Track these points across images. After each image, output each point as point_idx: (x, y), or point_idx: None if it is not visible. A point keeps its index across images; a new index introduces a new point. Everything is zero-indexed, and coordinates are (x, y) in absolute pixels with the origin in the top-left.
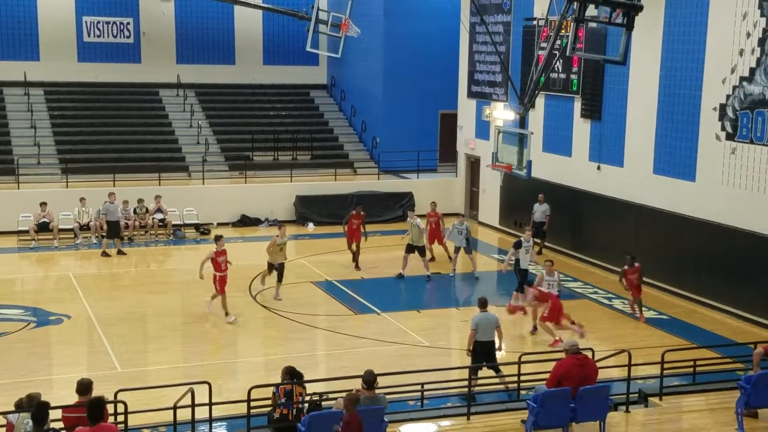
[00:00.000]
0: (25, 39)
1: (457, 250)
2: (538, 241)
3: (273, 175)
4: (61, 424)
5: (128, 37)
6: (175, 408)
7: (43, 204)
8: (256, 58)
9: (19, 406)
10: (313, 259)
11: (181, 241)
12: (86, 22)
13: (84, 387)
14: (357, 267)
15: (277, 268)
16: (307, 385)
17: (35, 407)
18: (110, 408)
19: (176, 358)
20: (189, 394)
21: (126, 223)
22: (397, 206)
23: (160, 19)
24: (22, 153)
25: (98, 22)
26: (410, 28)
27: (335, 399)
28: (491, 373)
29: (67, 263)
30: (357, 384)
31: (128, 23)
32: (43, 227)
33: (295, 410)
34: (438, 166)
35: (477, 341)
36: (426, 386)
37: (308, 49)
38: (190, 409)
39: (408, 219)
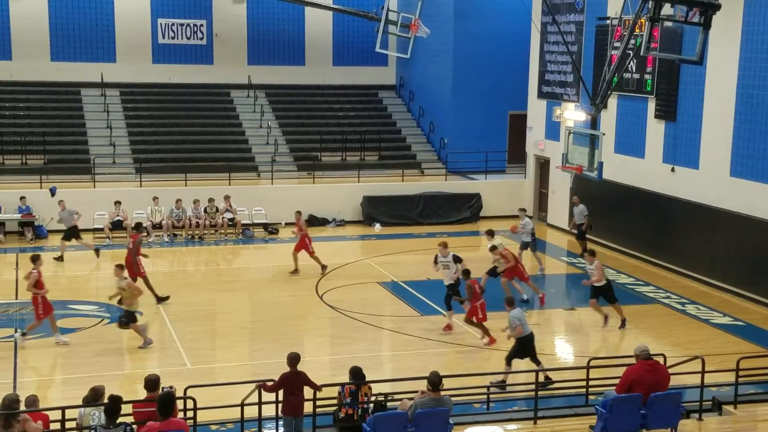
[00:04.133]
0: (103, 41)
1: (523, 246)
2: (581, 242)
3: (340, 175)
4: (132, 419)
5: (201, 38)
6: (242, 405)
7: (118, 203)
8: (326, 58)
9: (86, 400)
10: (380, 260)
11: (250, 240)
12: (161, 24)
13: (152, 383)
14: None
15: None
16: (372, 385)
17: (108, 401)
18: (179, 404)
19: (244, 356)
20: (256, 392)
21: (197, 222)
22: (465, 207)
23: (232, 20)
24: (98, 153)
25: (173, 24)
26: (480, 28)
27: (400, 400)
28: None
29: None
30: (422, 385)
31: (201, 25)
32: (117, 225)
33: (360, 410)
34: (506, 167)
35: (521, 337)
36: (492, 389)
37: (377, 49)
38: (257, 407)
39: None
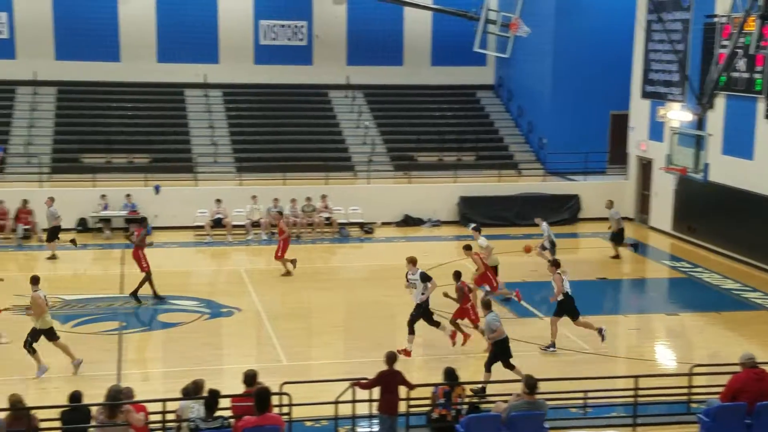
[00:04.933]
0: (206, 43)
1: (543, 248)
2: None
3: (437, 175)
4: (229, 413)
5: (301, 39)
6: (336, 403)
7: (218, 201)
8: (424, 59)
9: (186, 393)
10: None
11: (346, 239)
12: (263, 25)
13: (250, 378)
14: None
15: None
16: (466, 386)
17: (207, 394)
18: (275, 399)
19: (339, 354)
20: (350, 390)
21: (294, 221)
22: (563, 209)
23: (332, 21)
24: (200, 152)
25: (274, 26)
26: (582, 26)
27: (494, 402)
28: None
29: (239, 258)
30: (517, 387)
31: (302, 26)
32: (217, 223)
33: (454, 411)
34: (607, 168)
35: (498, 340)
36: (589, 394)
37: (476, 49)
38: (351, 405)
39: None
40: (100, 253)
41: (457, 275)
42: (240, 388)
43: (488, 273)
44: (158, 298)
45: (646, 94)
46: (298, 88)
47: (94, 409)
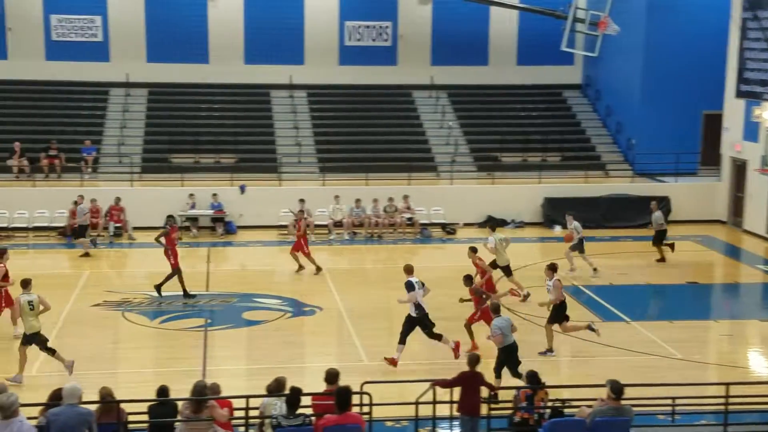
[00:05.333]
0: (292, 45)
1: (572, 248)
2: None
3: (521, 176)
4: (310, 410)
5: (386, 40)
6: (417, 403)
7: (302, 201)
8: (510, 58)
9: (269, 390)
10: (560, 263)
11: (428, 240)
12: (348, 26)
13: (332, 376)
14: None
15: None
16: (549, 390)
17: (289, 392)
18: (356, 398)
19: (419, 354)
20: (431, 391)
21: (376, 221)
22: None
23: (417, 22)
24: (284, 152)
25: (359, 27)
26: (674, 24)
27: (578, 407)
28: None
29: (321, 257)
30: (602, 392)
31: (387, 27)
32: None
33: (536, 415)
34: (699, 169)
35: (504, 347)
36: (678, 401)
37: (563, 48)
38: (431, 406)
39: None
40: (187, 251)
41: (468, 279)
42: (321, 387)
43: (489, 278)
44: (188, 297)
45: (740, 94)
46: (381, 89)
47: (180, 404)
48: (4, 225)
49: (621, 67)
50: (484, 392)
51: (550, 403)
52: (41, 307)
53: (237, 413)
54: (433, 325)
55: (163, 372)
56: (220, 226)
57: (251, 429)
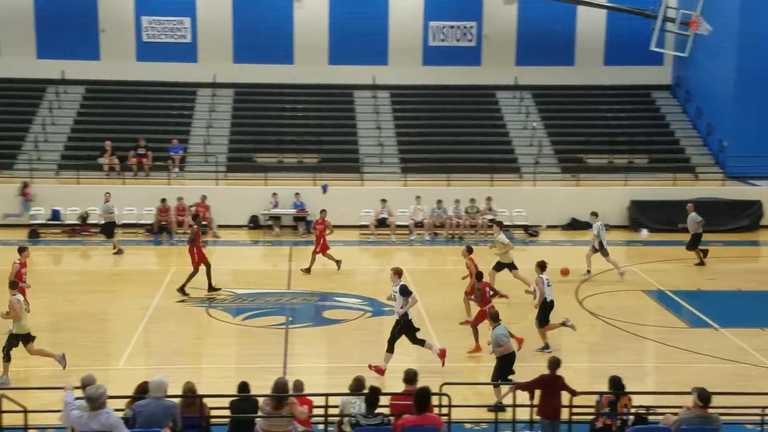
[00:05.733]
0: (376, 45)
1: (593, 249)
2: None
3: (606, 178)
4: (389, 410)
5: (470, 40)
6: (496, 407)
7: (383, 201)
8: (597, 58)
9: (350, 389)
10: (646, 267)
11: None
12: (432, 27)
13: (411, 377)
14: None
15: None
16: (633, 396)
17: (368, 391)
18: (434, 400)
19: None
20: (511, 394)
21: (457, 222)
22: (743, 215)
23: (502, 22)
24: (366, 152)
25: (443, 27)
26: None
27: (663, 414)
28: None
29: (402, 258)
30: (688, 400)
31: (471, 27)
32: (381, 223)
33: (619, 422)
34: None
35: (504, 355)
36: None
37: (652, 48)
38: (511, 409)
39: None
40: (270, 250)
41: (479, 275)
42: (400, 387)
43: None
44: (213, 290)
45: None
46: (465, 89)
47: (260, 400)
48: (95, 221)
49: (713, 67)
50: (565, 398)
51: (633, 410)
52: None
53: (316, 411)
54: (400, 336)
55: (245, 368)
56: (302, 225)
57: (330, 427)
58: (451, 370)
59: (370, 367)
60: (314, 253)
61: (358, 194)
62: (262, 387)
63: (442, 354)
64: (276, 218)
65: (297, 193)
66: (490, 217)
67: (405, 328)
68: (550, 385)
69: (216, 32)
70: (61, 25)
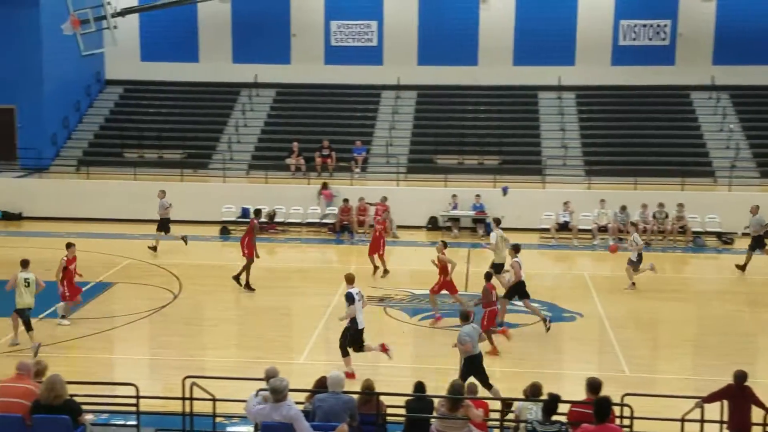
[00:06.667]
0: (563, 45)
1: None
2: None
3: None
4: (565, 418)
5: (664, 39)
6: (682, 420)
7: (566, 203)
8: None
9: (526, 395)
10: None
11: (701, 249)
12: (623, 25)
13: (594, 386)
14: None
15: None
16: None
17: (547, 398)
18: (615, 410)
19: (686, 369)
20: (698, 409)
21: (644, 227)
22: None
23: (699, 19)
24: (549, 154)
25: (635, 25)
26: None
27: None
28: None
29: (584, 263)
30: None
31: (665, 25)
32: (563, 226)
33: None
34: None
35: (469, 357)
36: None
37: None
38: (698, 424)
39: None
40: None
41: (488, 276)
42: (578, 394)
43: (448, 279)
44: (248, 289)
45: None
46: (656, 90)
47: (436, 401)
48: (281, 220)
49: None
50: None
51: None
52: (36, 287)
53: (492, 414)
54: (350, 342)
55: (420, 368)
56: (481, 227)
57: (505, 431)
58: (633, 381)
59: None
60: (380, 256)
61: (539, 197)
62: (437, 388)
63: (383, 349)
64: (455, 220)
65: (477, 195)
66: (681, 223)
67: (352, 336)
68: (737, 397)
69: (401, 35)
70: (255, 31)
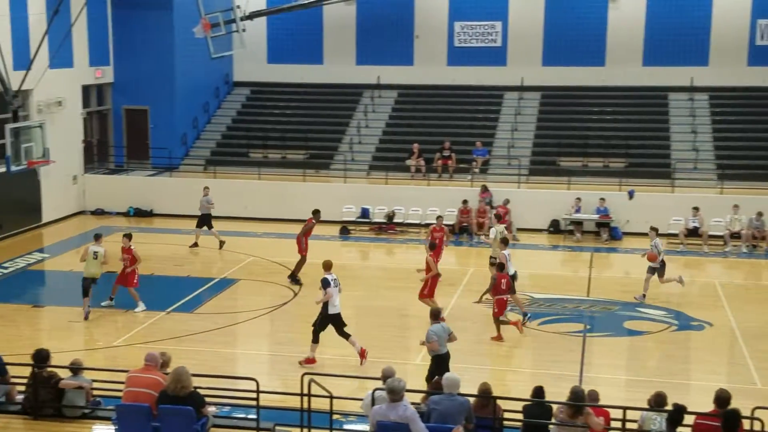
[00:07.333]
0: (696, 45)
1: (650, 270)
2: None
3: None
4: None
5: None
6: None
7: (695, 208)
8: None
9: (650, 404)
10: None
11: None
12: (760, 24)
13: (724, 400)
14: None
15: None
16: None
17: (673, 408)
18: (746, 424)
19: None
20: None
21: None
22: None
23: None
24: (679, 157)
25: None
26: None
27: None
28: None
29: (714, 270)
30: None
31: None
32: (692, 232)
33: None
34: None
35: (437, 355)
36: None
37: None
38: None
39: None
40: (570, 255)
41: (500, 267)
42: (704, 406)
43: (432, 279)
44: (295, 282)
45: None
46: None
47: (554, 407)
48: (400, 220)
49: None
50: None
51: None
52: (104, 259)
53: (613, 423)
54: (345, 324)
55: (539, 373)
56: (605, 232)
57: None
58: (765, 394)
59: (300, 363)
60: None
61: (667, 201)
62: (556, 394)
63: (362, 354)
64: (578, 223)
65: (602, 198)
66: None
67: (329, 319)
68: None
69: (526, 35)
70: (378, 33)
